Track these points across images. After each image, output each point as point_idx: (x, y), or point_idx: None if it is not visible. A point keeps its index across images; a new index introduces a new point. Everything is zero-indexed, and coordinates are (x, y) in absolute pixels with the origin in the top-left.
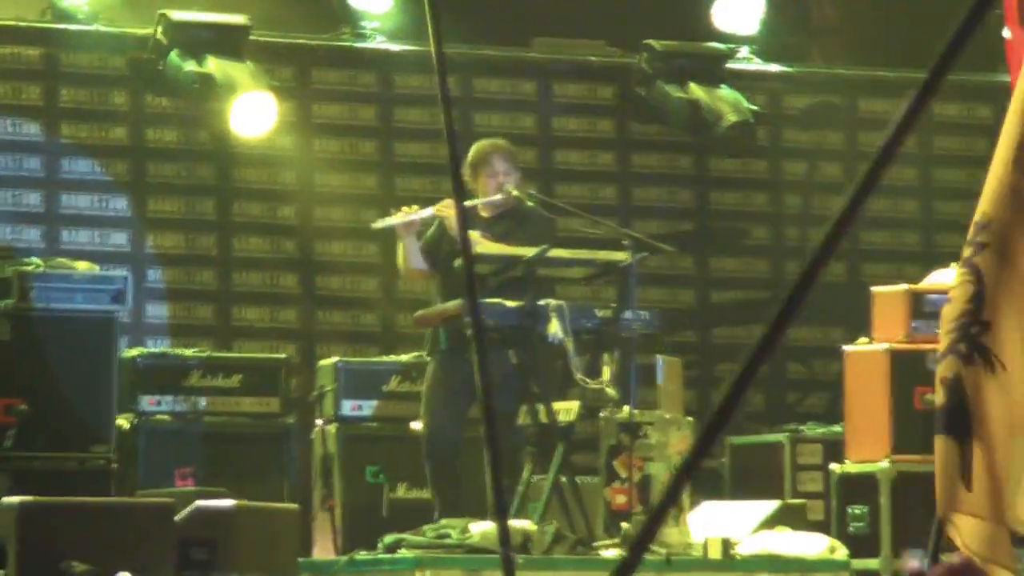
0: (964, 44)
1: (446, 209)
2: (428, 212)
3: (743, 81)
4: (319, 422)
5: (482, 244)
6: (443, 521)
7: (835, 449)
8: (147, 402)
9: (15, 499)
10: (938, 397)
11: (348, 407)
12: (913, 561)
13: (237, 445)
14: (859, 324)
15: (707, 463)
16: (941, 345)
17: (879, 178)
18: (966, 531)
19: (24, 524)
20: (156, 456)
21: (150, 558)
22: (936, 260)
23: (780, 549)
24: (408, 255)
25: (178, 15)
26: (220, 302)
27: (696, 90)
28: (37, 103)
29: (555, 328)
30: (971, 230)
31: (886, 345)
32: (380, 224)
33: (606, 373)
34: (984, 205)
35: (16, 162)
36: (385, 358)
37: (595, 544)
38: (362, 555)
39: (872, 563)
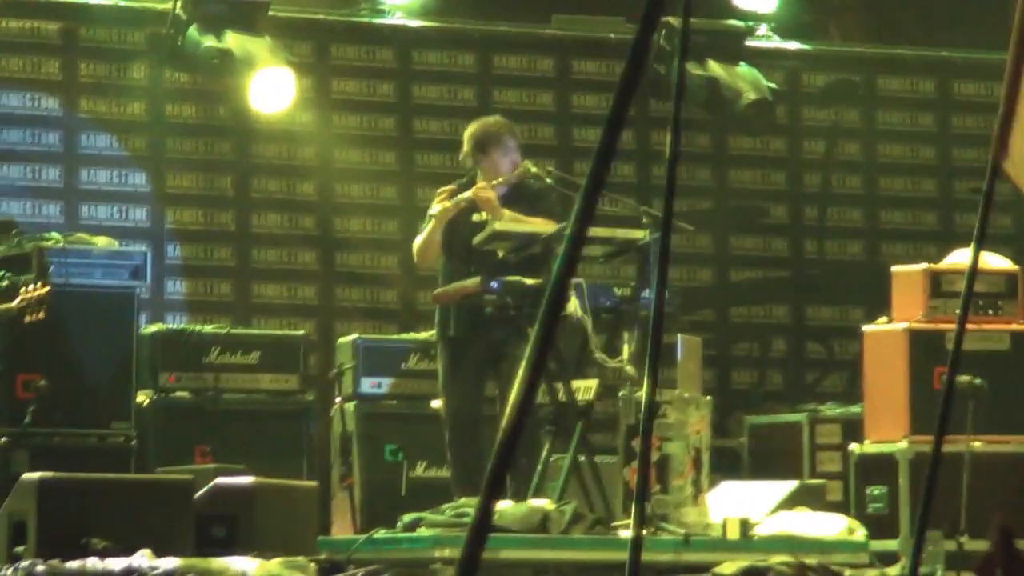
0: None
1: (481, 192)
2: (467, 195)
3: (762, 59)
4: (338, 400)
5: (502, 222)
6: (462, 500)
7: (854, 429)
8: (166, 379)
9: (35, 475)
10: None
11: (367, 385)
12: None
13: (256, 422)
14: (878, 304)
15: (727, 443)
16: None
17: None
18: None
19: (44, 500)
20: (175, 433)
21: (170, 534)
22: (955, 239)
23: (799, 530)
24: (434, 235)
25: None
26: (239, 278)
27: (715, 68)
28: (56, 78)
29: (574, 306)
30: None
31: (905, 324)
32: (436, 212)
33: (625, 352)
34: None
35: (35, 137)
36: (404, 336)
37: (614, 524)
38: (381, 533)
39: (891, 544)
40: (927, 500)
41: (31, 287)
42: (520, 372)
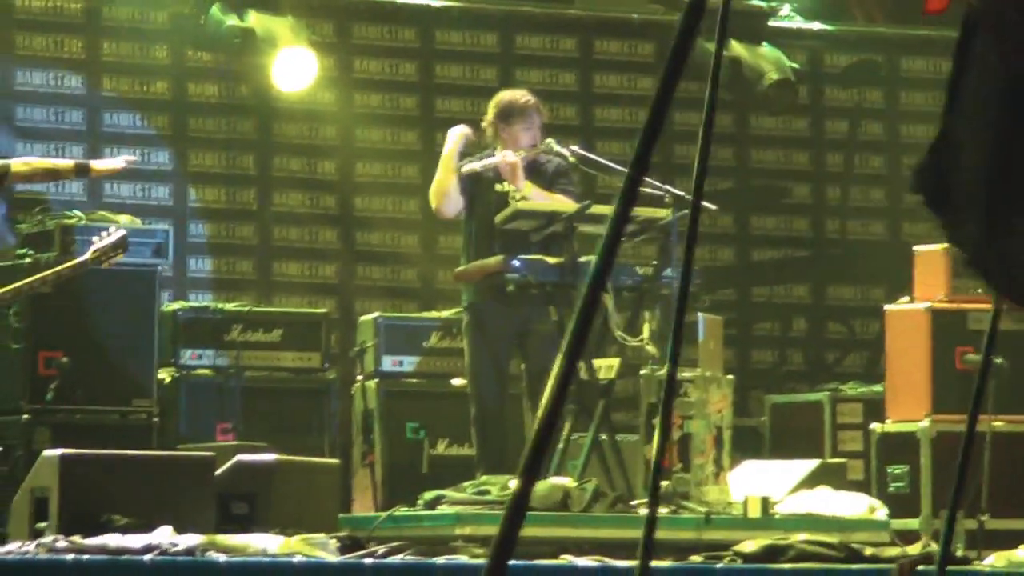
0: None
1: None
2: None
3: (784, 39)
4: (359, 377)
5: (526, 200)
6: (483, 478)
7: (875, 408)
8: (188, 356)
9: (56, 451)
10: None
11: (389, 363)
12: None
13: (278, 400)
14: (900, 283)
15: (748, 422)
16: None
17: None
18: None
19: (65, 476)
20: (197, 410)
21: (190, 511)
22: None
23: (819, 508)
24: (446, 181)
25: None
26: (260, 257)
27: (737, 48)
28: (79, 56)
29: None
30: None
31: (927, 304)
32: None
33: (646, 330)
34: None
35: (58, 115)
36: (426, 314)
37: (634, 502)
38: (402, 511)
39: (912, 523)
40: (960, 484)
41: (103, 234)
42: (558, 357)
